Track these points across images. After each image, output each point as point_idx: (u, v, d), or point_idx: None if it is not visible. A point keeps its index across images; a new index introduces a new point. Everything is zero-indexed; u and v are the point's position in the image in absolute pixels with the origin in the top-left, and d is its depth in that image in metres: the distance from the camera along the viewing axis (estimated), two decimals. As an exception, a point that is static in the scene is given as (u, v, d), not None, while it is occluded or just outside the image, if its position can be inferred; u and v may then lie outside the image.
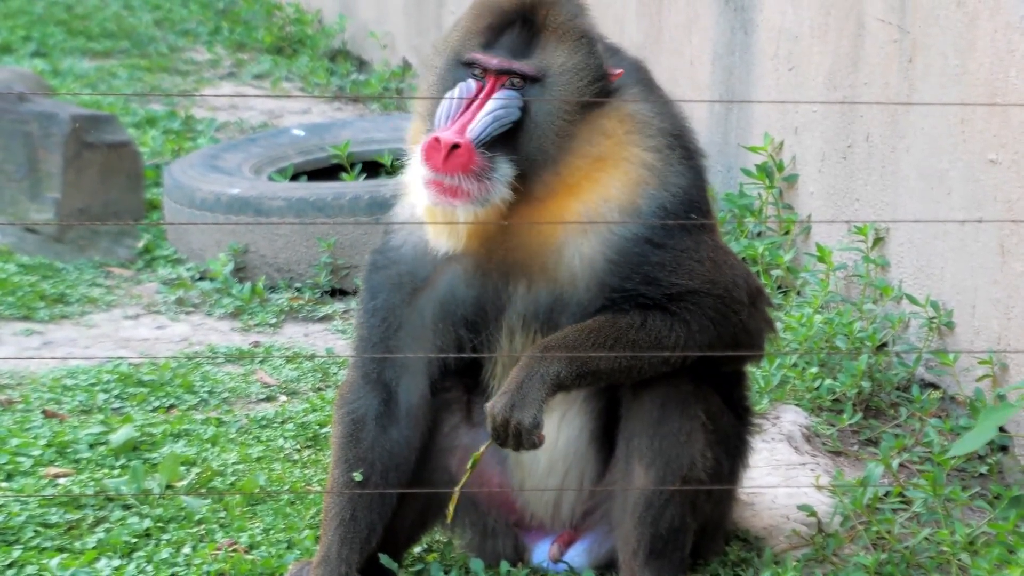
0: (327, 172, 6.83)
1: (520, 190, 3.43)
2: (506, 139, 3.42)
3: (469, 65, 3.48)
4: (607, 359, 3.44)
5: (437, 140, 3.36)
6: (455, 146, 3.35)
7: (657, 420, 3.53)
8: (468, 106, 3.42)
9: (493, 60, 3.45)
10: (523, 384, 3.39)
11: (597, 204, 3.47)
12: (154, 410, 4.85)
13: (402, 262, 3.59)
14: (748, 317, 3.61)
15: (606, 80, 3.50)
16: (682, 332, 3.48)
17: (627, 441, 3.56)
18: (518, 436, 3.38)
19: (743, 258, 5.58)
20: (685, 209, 3.52)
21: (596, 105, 3.47)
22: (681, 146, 3.56)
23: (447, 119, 3.42)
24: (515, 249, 3.50)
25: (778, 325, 5.02)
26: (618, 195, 3.48)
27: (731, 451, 3.70)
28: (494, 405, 3.39)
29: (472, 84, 3.45)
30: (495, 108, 3.41)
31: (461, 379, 3.68)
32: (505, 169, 3.41)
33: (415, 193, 3.47)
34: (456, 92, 3.44)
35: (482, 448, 3.47)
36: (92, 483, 4.22)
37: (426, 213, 3.46)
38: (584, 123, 3.46)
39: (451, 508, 3.52)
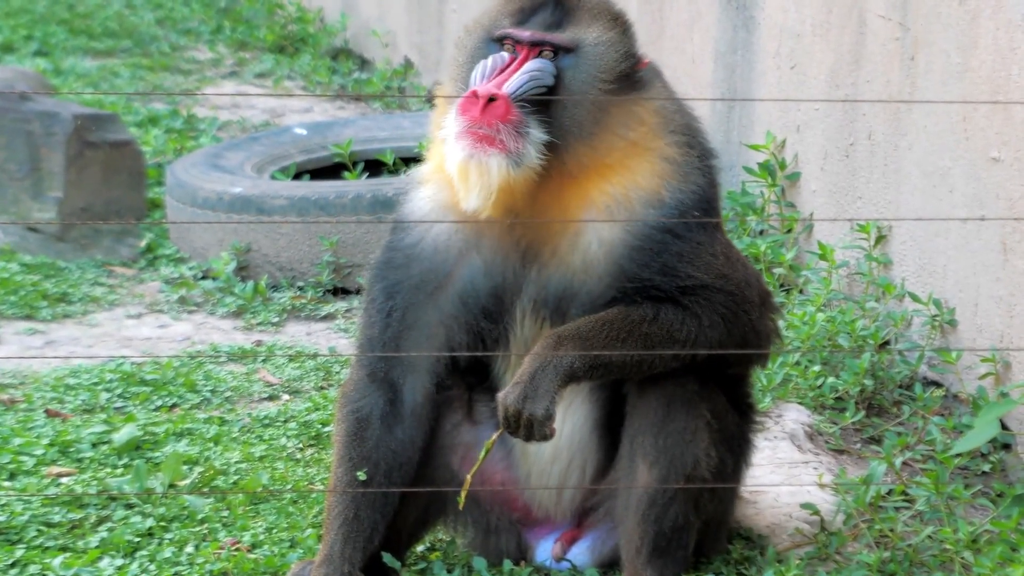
0: (329, 171, 6.83)
1: (553, 161, 3.45)
2: (540, 108, 3.44)
3: (500, 41, 3.53)
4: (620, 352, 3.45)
5: (475, 93, 3.40)
6: (492, 99, 3.39)
7: (662, 419, 3.53)
8: (502, 71, 3.46)
9: (525, 33, 3.50)
10: (536, 375, 3.40)
11: (627, 190, 3.50)
12: (156, 409, 4.85)
13: (423, 259, 3.57)
14: (758, 318, 3.62)
15: (636, 63, 3.56)
16: (694, 327, 3.49)
17: (631, 439, 3.56)
18: (530, 427, 3.38)
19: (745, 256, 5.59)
20: (701, 207, 3.54)
21: (630, 89, 3.52)
22: (699, 145, 3.62)
23: (482, 79, 3.45)
24: (536, 226, 3.50)
25: (781, 324, 5.03)
26: (646, 184, 3.51)
27: (735, 450, 3.70)
28: (507, 396, 3.40)
29: (505, 56, 3.50)
30: (531, 69, 3.46)
31: (463, 377, 3.68)
32: (538, 132, 3.43)
33: (447, 151, 3.45)
34: (489, 62, 3.48)
35: (494, 436, 3.47)
36: (95, 482, 4.23)
37: (458, 169, 3.44)
38: (618, 104, 3.50)
39: (463, 495, 3.52)
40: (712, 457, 3.58)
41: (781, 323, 5.01)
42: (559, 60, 3.49)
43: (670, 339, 3.47)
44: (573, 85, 3.48)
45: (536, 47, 3.49)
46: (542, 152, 3.44)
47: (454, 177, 3.46)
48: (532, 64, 3.47)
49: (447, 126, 3.45)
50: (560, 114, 3.46)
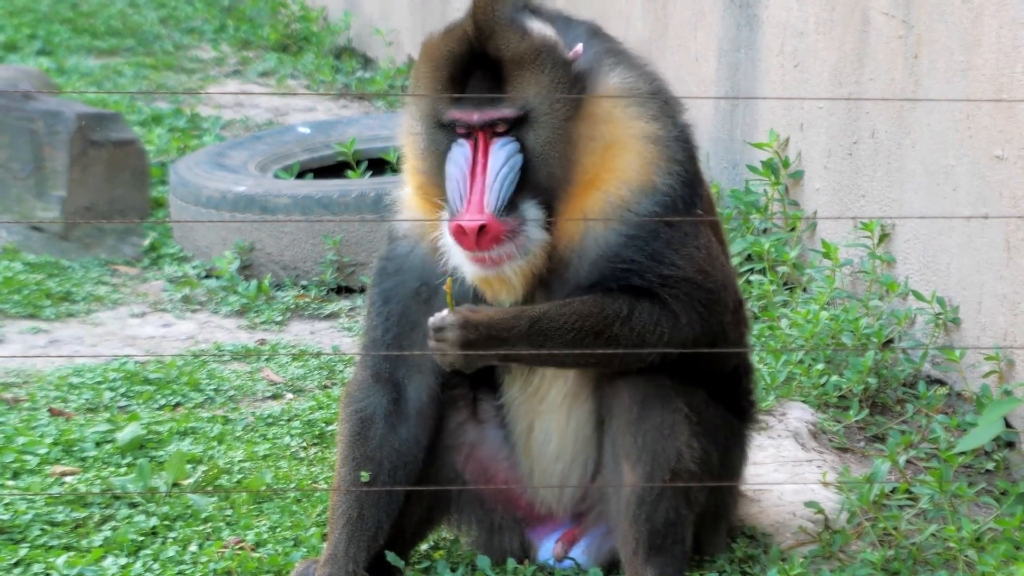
0: (333, 169, 6.84)
1: (552, 213, 3.42)
2: (521, 182, 3.40)
3: (451, 126, 3.42)
4: (585, 349, 3.43)
5: (462, 228, 3.33)
6: (482, 227, 3.34)
7: (638, 417, 3.50)
8: (472, 171, 3.39)
9: (474, 116, 3.39)
10: (489, 338, 3.38)
11: (619, 189, 3.45)
12: (160, 408, 4.85)
13: (412, 269, 3.57)
14: (730, 323, 3.59)
15: (576, 70, 3.44)
16: (667, 326, 3.45)
17: (612, 441, 3.55)
18: (441, 344, 3.38)
19: (748, 255, 5.58)
20: (688, 189, 3.49)
21: (580, 100, 3.42)
22: (669, 110, 3.53)
23: (460, 199, 3.37)
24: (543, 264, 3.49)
25: (784, 322, 5.03)
26: (636, 176, 3.46)
27: (720, 442, 3.64)
28: (458, 328, 3.37)
29: (465, 145, 3.40)
30: (499, 167, 3.37)
31: (467, 376, 3.67)
32: (534, 214, 3.40)
33: (459, 264, 3.44)
34: (459, 173, 3.39)
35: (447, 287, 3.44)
36: (98, 481, 4.23)
37: (477, 282, 3.46)
38: (579, 122, 3.43)
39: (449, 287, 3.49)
40: (695, 449, 3.54)
41: (784, 321, 5.02)
42: (518, 130, 3.39)
43: (640, 342, 3.44)
44: (539, 147, 3.40)
45: (489, 127, 3.39)
46: (544, 222, 3.41)
47: (477, 286, 3.47)
48: (498, 157, 3.37)
49: (447, 243, 3.42)
50: (539, 177, 3.40)
